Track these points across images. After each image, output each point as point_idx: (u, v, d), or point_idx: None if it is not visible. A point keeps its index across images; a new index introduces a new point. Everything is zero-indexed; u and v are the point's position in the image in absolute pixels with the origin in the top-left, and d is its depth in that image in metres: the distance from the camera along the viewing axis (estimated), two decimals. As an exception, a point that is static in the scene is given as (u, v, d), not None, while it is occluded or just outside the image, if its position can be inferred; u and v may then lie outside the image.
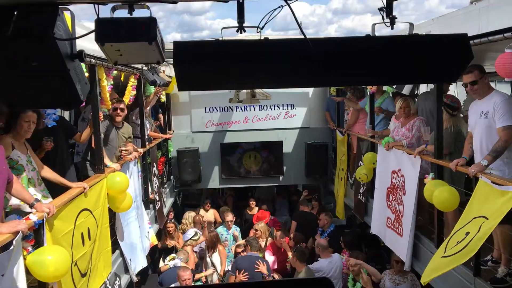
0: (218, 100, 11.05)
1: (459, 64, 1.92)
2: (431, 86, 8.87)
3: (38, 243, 3.60)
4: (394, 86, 5.99)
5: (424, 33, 2.13)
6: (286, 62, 1.89)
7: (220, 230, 9.51)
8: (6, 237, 3.04)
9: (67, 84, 1.86)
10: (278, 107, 11.22)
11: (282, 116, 11.25)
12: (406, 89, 5.55)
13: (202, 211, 10.45)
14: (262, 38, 1.91)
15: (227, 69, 1.85)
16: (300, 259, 7.29)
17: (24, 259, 3.30)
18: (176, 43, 1.83)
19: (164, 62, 7.59)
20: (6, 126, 4.14)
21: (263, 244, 8.86)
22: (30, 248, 3.51)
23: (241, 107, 11.17)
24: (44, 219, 3.61)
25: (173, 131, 10.95)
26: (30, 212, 3.69)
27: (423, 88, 9.18)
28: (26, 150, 4.35)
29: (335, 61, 1.85)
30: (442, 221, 5.49)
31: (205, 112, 11.18)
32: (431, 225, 5.79)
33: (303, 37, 1.86)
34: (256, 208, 10.97)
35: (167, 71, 9.40)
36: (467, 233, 3.87)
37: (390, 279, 6.45)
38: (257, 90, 11.08)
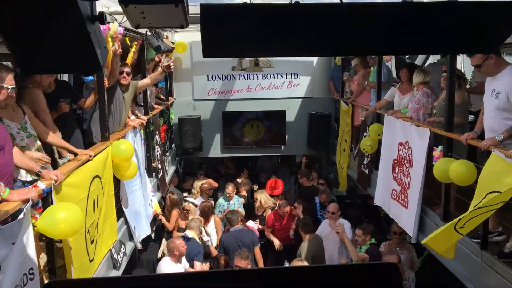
0: (221, 67, 10.86)
1: (503, 33, 1.81)
2: (437, 57, 8.75)
3: (47, 210, 3.55)
4: (406, 56, 5.86)
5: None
6: (318, 27, 1.77)
7: (221, 201, 9.49)
8: (16, 205, 2.98)
9: (87, 48, 1.75)
10: (282, 76, 11.05)
11: (285, 85, 11.09)
12: (419, 59, 5.42)
13: (197, 182, 10.42)
14: (293, 1, 1.79)
15: (256, 35, 1.73)
16: (305, 231, 7.32)
17: (34, 226, 3.26)
18: (203, 6, 1.71)
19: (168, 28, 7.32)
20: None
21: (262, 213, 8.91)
22: (38, 216, 3.46)
23: (244, 76, 10.99)
24: (52, 186, 3.55)
25: (174, 98, 10.81)
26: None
27: (429, 59, 9.04)
28: (22, 117, 4.01)
29: (371, 27, 1.73)
30: (449, 194, 5.47)
31: (208, 79, 11.01)
32: (438, 198, 5.77)
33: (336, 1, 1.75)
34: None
35: (170, 36, 9.19)
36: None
37: (389, 250, 6.50)
38: (260, 59, 10.89)
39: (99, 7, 2.82)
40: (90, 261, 4.50)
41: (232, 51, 2.10)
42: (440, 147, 5.50)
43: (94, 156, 4.60)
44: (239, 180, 10.64)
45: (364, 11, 1.81)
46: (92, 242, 4.52)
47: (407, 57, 5.84)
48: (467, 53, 5.17)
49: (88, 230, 4.34)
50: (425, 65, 7.95)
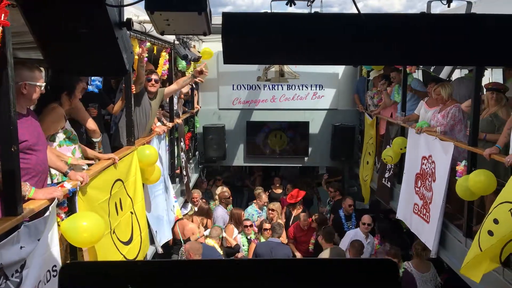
0: (246, 77, 10.98)
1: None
2: (465, 71, 8.65)
3: (71, 210, 3.66)
4: (431, 70, 5.82)
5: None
6: (337, 37, 1.81)
7: (250, 210, 9.50)
8: (42, 203, 3.10)
9: (114, 52, 1.84)
10: (306, 87, 11.09)
11: (310, 97, 11.12)
12: (445, 72, 5.38)
13: (218, 188, 10.49)
14: (312, 11, 1.85)
15: (276, 43, 1.79)
16: (327, 240, 7.30)
17: (58, 225, 3.37)
18: (225, 14, 1.78)
19: (195, 37, 7.47)
20: (52, 96, 4.15)
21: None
22: (63, 215, 3.57)
23: (269, 86, 11.07)
24: (78, 187, 3.67)
25: (200, 107, 10.96)
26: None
27: (457, 74, 8.94)
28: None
29: (390, 37, 1.77)
30: (472, 209, 5.38)
31: (233, 89, 11.14)
32: (460, 213, 5.68)
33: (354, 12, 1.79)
34: (280, 188, 10.97)
35: (197, 46, 9.36)
36: (495, 220, 3.79)
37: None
38: (285, 69, 10.96)
39: (129, 15, 2.92)
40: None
41: (253, 58, 2.16)
42: (464, 162, 5.43)
43: (119, 160, 4.73)
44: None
45: (382, 22, 1.85)
46: (127, 242, 4.67)
47: (431, 70, 5.81)
48: (491, 65, 5.12)
49: (114, 231, 4.46)
50: (452, 79, 7.88)
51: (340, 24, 1.85)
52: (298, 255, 8.40)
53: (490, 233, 3.95)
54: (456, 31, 1.76)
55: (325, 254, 7.08)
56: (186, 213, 8.34)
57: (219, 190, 10.32)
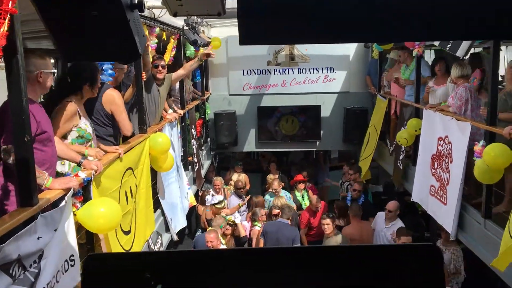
0: (256, 62, 10.86)
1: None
2: (479, 49, 8.44)
3: (86, 199, 3.65)
4: (447, 48, 5.67)
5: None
6: (355, 13, 1.73)
7: (267, 197, 9.47)
8: (58, 193, 3.08)
9: (126, 36, 1.77)
10: (317, 71, 10.94)
11: (321, 80, 10.97)
12: (461, 50, 5.22)
13: (234, 175, 10.45)
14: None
15: (293, 22, 1.71)
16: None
17: (74, 215, 3.35)
18: (241, -10, 1.71)
19: (204, 22, 7.37)
20: (72, 88, 4.05)
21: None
22: (78, 205, 3.55)
23: (279, 70, 10.94)
24: (92, 176, 3.65)
25: (210, 93, 10.89)
26: None
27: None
28: (86, 114, 4.22)
29: (409, 13, 1.69)
30: (491, 190, 5.29)
31: (243, 74, 11.03)
32: (479, 194, 5.58)
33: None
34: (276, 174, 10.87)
35: (207, 31, 9.26)
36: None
37: None
38: (296, 53, 10.82)
39: None
40: (126, 251, 4.59)
41: (269, 39, 2.07)
42: (482, 142, 5.31)
43: (130, 150, 4.70)
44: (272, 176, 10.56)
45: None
46: (127, 232, 4.61)
47: (447, 48, 5.65)
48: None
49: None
50: (466, 57, 7.72)
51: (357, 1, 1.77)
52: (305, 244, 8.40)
53: None
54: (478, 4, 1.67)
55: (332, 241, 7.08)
56: (213, 204, 8.11)
57: (235, 177, 10.29)
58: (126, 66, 5.08)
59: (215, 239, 6.46)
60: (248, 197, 9.41)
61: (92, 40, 1.77)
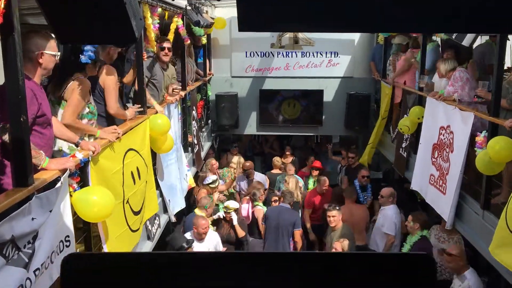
0: (260, 44, 10.73)
1: None
2: (486, 37, 8.33)
3: (83, 180, 3.63)
4: (453, 37, 5.59)
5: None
6: (358, 2, 1.68)
7: (279, 178, 9.46)
8: (54, 174, 3.06)
9: (122, 19, 1.72)
10: (321, 55, 10.82)
11: (324, 64, 10.85)
12: (467, 40, 5.15)
13: (235, 158, 10.42)
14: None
15: (294, 9, 1.66)
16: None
17: (71, 195, 3.34)
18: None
19: (207, 2, 7.26)
20: (69, 68, 4.04)
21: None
22: (75, 185, 3.54)
23: (282, 53, 10.81)
24: (90, 157, 3.63)
25: (212, 74, 10.81)
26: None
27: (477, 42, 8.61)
28: None
29: (412, 3, 1.64)
30: (490, 180, 5.26)
31: (246, 56, 10.91)
32: (478, 185, 5.56)
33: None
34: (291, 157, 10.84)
35: (210, 12, 9.13)
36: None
37: (436, 234, 6.33)
38: (300, 36, 10.69)
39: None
40: (133, 231, 4.65)
41: (269, 26, 2.02)
42: (484, 133, 5.27)
43: (130, 130, 4.67)
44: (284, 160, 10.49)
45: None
46: (137, 213, 4.65)
47: (453, 37, 5.57)
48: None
49: (128, 201, 4.44)
50: (474, 45, 7.63)
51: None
52: (308, 225, 8.43)
53: None
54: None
55: (337, 233, 7.08)
56: (207, 184, 8.10)
57: (235, 160, 10.27)
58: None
59: (201, 227, 6.35)
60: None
61: (87, 22, 1.73)
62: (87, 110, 4.09)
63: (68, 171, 3.16)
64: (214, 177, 8.24)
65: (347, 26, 2.17)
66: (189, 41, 7.03)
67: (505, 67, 5.98)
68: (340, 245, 6.11)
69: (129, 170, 4.57)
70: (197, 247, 6.22)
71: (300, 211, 8.66)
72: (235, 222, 7.21)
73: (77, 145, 3.67)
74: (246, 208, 8.20)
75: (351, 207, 7.85)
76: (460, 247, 5.54)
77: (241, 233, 7.24)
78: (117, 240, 4.19)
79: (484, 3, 1.83)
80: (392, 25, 2.24)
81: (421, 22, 1.97)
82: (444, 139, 6.25)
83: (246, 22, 1.90)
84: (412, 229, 6.25)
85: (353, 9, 1.78)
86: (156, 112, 5.56)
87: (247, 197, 8.49)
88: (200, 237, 6.35)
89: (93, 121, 4.19)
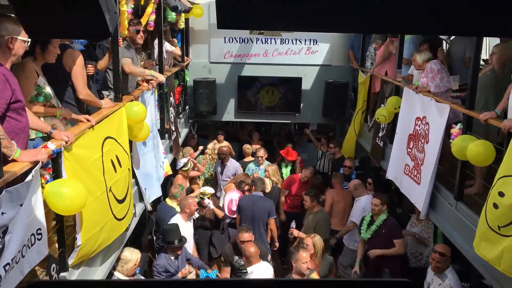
0: (239, 30, 10.61)
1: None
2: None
3: (56, 171, 3.54)
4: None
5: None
6: (342, 3, 1.64)
7: (251, 165, 9.46)
8: (25, 165, 2.96)
9: (95, 13, 1.65)
10: (300, 42, 10.78)
11: (303, 52, 10.83)
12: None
13: (216, 143, 10.36)
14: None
15: (275, 7, 1.62)
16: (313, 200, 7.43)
17: (42, 187, 3.25)
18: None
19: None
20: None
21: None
22: (47, 176, 3.45)
23: (261, 39, 10.74)
24: (62, 147, 3.53)
25: (190, 59, 10.66)
26: None
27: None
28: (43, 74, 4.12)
29: (401, 6, 1.61)
30: (464, 172, 5.35)
31: (224, 42, 10.80)
32: (452, 176, 5.65)
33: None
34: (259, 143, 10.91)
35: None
36: (501, 193, 3.74)
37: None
38: (279, 22, 10.59)
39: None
40: (119, 219, 4.62)
41: (248, 23, 1.96)
42: (459, 125, 5.35)
43: (105, 118, 4.57)
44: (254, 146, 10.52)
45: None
46: (121, 201, 4.60)
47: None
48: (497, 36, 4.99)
49: (110, 189, 4.39)
50: (451, 38, 7.71)
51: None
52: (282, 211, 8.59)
53: (495, 206, 3.89)
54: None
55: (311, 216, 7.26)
56: (180, 168, 8.25)
57: (210, 146, 10.24)
58: None
59: (192, 205, 6.78)
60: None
61: (58, 15, 1.65)
62: (34, 92, 3.88)
63: (40, 163, 3.07)
64: (184, 160, 8.24)
65: (326, 26, 2.14)
66: (152, 28, 6.82)
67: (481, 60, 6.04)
68: (311, 241, 6.25)
69: (108, 158, 4.49)
70: (185, 229, 6.65)
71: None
72: (211, 207, 7.39)
73: (49, 135, 3.57)
74: (236, 198, 7.99)
75: (343, 191, 8.35)
76: (447, 247, 5.63)
77: (220, 213, 7.50)
78: (102, 230, 4.19)
79: (463, 8, 1.81)
80: (371, 26, 2.21)
81: (399, 23, 1.95)
82: (419, 129, 6.32)
83: (226, 19, 1.85)
84: (380, 210, 6.81)
85: (332, 9, 1.74)
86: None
87: (233, 184, 8.44)
88: (191, 216, 6.92)
89: (47, 103, 4.00)
